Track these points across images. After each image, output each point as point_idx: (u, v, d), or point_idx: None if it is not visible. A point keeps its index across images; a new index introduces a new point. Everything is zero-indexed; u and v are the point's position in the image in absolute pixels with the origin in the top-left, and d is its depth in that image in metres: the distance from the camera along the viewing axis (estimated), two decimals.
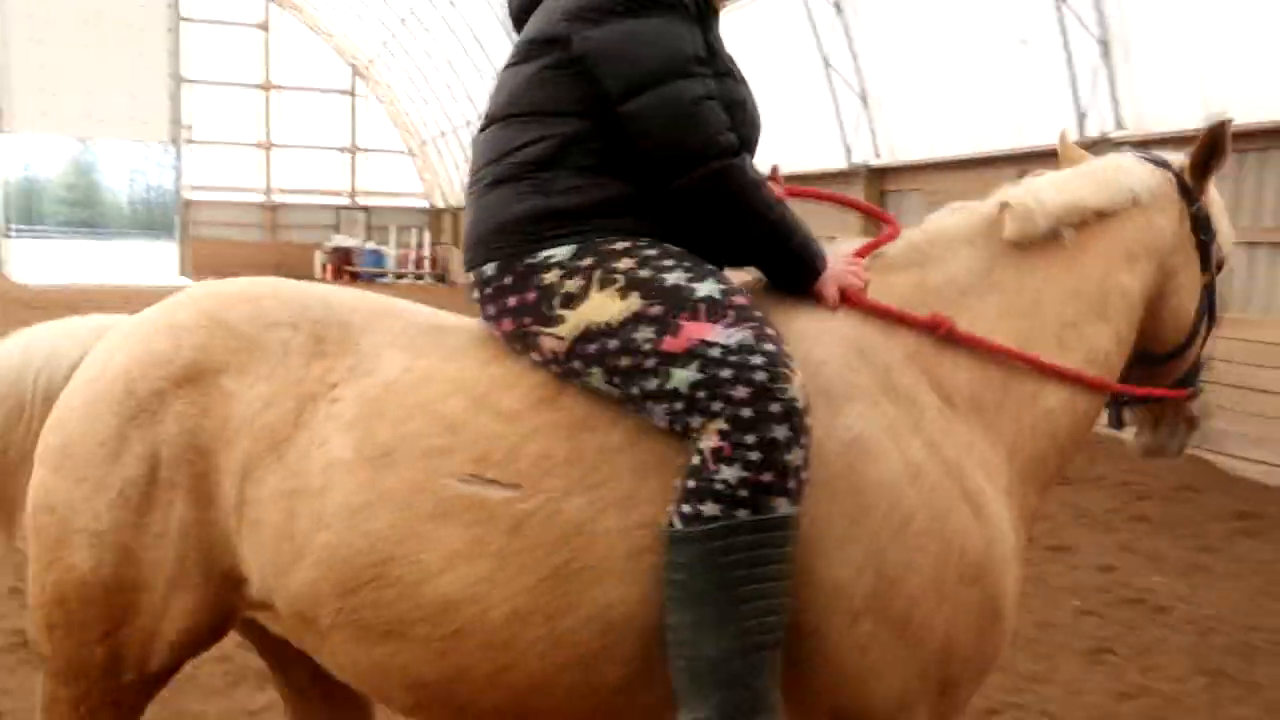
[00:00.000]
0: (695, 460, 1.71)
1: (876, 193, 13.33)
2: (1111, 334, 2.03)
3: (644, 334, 1.75)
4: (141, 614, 1.87)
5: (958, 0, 11.04)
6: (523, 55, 1.94)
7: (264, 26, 29.16)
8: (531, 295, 1.83)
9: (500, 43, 22.12)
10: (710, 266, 1.86)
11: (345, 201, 30.58)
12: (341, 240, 28.60)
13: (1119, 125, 9.34)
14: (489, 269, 1.89)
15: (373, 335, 1.90)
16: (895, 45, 12.37)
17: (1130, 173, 2.11)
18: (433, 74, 26.41)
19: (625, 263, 1.80)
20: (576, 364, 1.80)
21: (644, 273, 1.79)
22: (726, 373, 1.70)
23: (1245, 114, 8.17)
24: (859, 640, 1.74)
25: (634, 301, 1.77)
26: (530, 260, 1.85)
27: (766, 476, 1.67)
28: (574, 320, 1.79)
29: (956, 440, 1.86)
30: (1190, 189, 2.13)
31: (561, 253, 1.83)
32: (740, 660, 1.68)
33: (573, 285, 1.80)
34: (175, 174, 27.45)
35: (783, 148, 15.31)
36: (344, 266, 27.53)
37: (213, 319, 1.91)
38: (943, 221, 2.11)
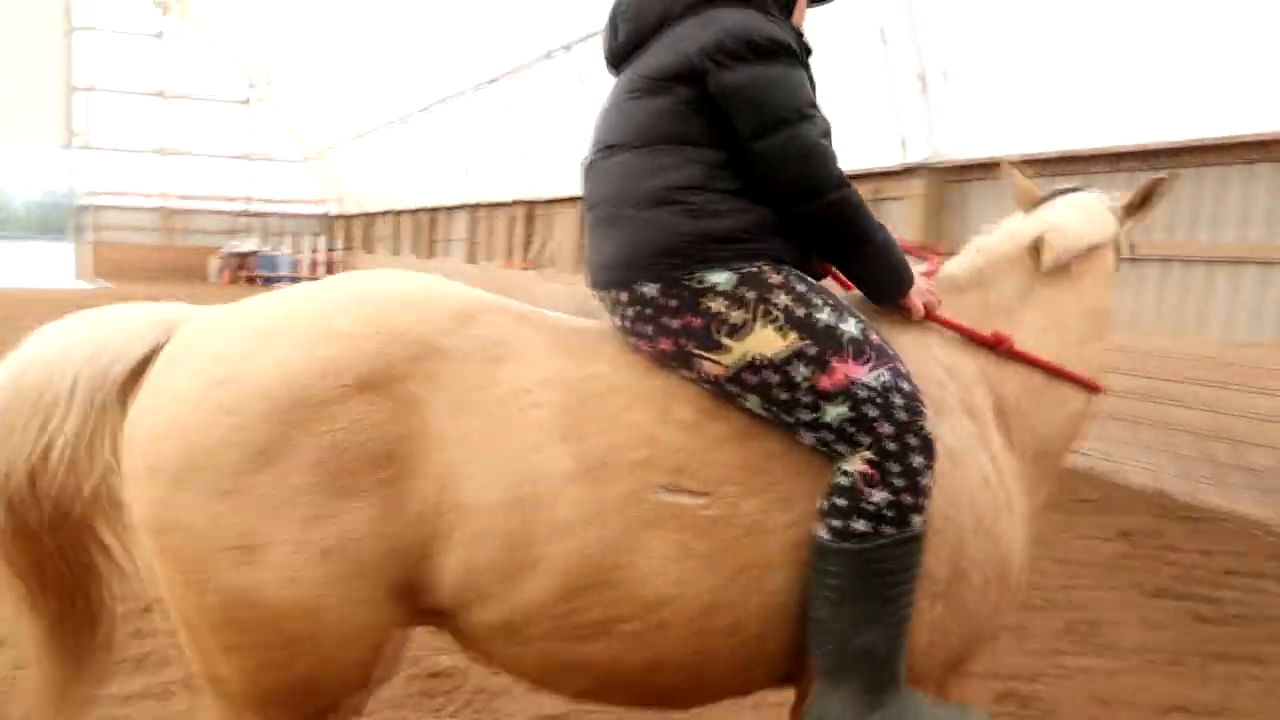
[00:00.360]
0: (844, 481, 1.85)
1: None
2: (1102, 347, 2.31)
3: (802, 371, 1.85)
4: (338, 637, 1.68)
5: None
6: (650, 89, 1.95)
7: (160, 36, 27.96)
8: (697, 321, 1.87)
9: (397, 55, 21.75)
10: (844, 300, 2.01)
11: (242, 207, 29.60)
12: (238, 245, 27.74)
13: (933, 155, 9.79)
14: (650, 289, 1.90)
15: (534, 341, 1.86)
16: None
17: (1105, 213, 2.40)
18: (330, 85, 25.77)
19: (783, 298, 1.88)
20: (734, 389, 1.88)
21: (800, 311, 1.87)
22: (874, 411, 1.84)
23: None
24: (932, 620, 1.91)
25: (794, 340, 1.86)
26: (694, 284, 1.87)
27: (908, 499, 1.84)
28: (739, 351, 1.86)
29: (999, 449, 2.07)
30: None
31: (724, 280, 1.87)
32: (884, 647, 1.84)
33: (737, 316, 1.86)
34: (71, 178, 26.26)
35: None
36: (240, 271, 26.78)
37: (381, 325, 1.75)
38: (993, 246, 2.31)
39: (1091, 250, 2.32)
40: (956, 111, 9.45)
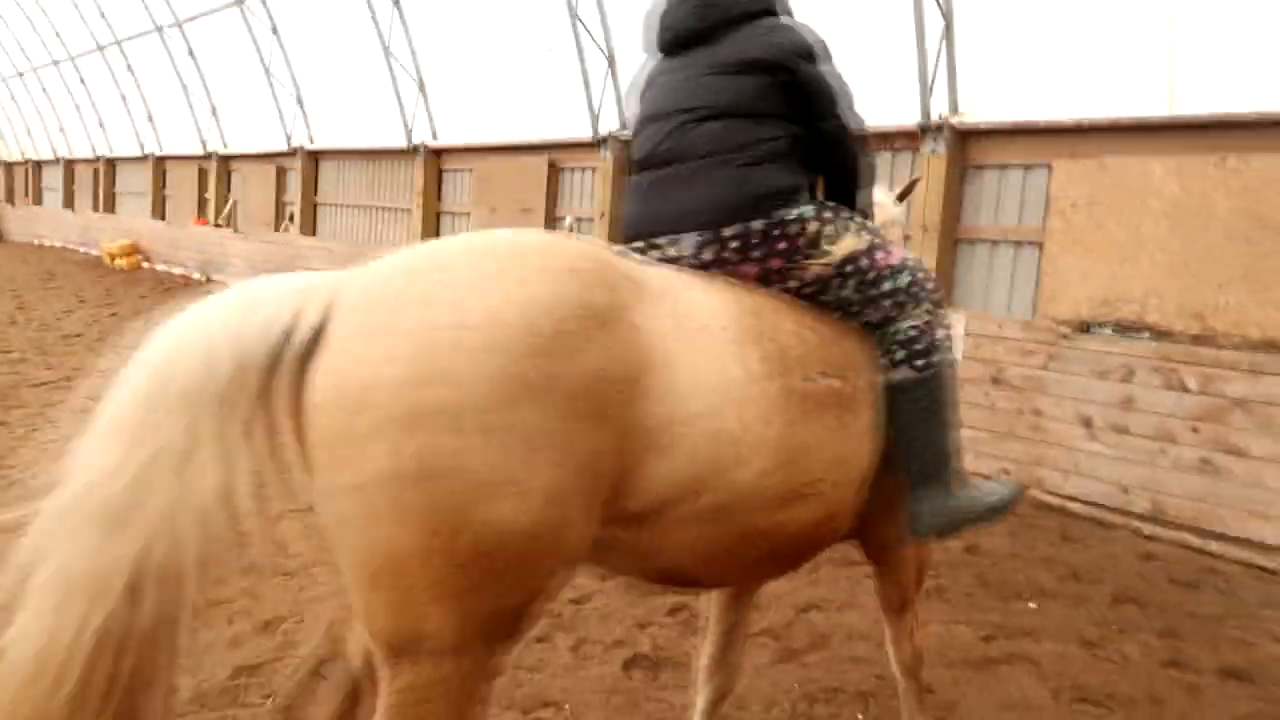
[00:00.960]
0: (911, 331, 2.38)
1: (435, 169, 13.59)
2: None
3: (877, 256, 2.40)
4: (559, 557, 1.68)
5: (500, 5, 11.50)
6: (736, 71, 2.36)
7: None
8: (801, 240, 2.32)
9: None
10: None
11: None
12: None
13: (622, 127, 10.32)
14: (757, 224, 2.30)
15: (684, 277, 2.12)
16: (448, 39, 12.62)
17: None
18: None
19: (845, 215, 2.43)
20: (837, 281, 2.37)
21: (857, 221, 2.45)
22: (920, 275, 2.44)
23: None
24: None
25: (866, 238, 2.41)
26: (789, 217, 2.31)
27: (946, 333, 2.45)
28: (839, 251, 2.36)
29: None
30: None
31: (808, 212, 2.34)
32: (955, 445, 2.40)
33: (830, 230, 2.36)
34: None
35: (351, 128, 15.03)
36: None
37: (602, 264, 1.85)
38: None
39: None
40: None
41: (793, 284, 2.35)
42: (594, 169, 10.83)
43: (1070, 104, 6.77)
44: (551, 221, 11.44)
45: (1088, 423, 5.90)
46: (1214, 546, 5.26)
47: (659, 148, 2.38)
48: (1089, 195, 6.44)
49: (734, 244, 2.30)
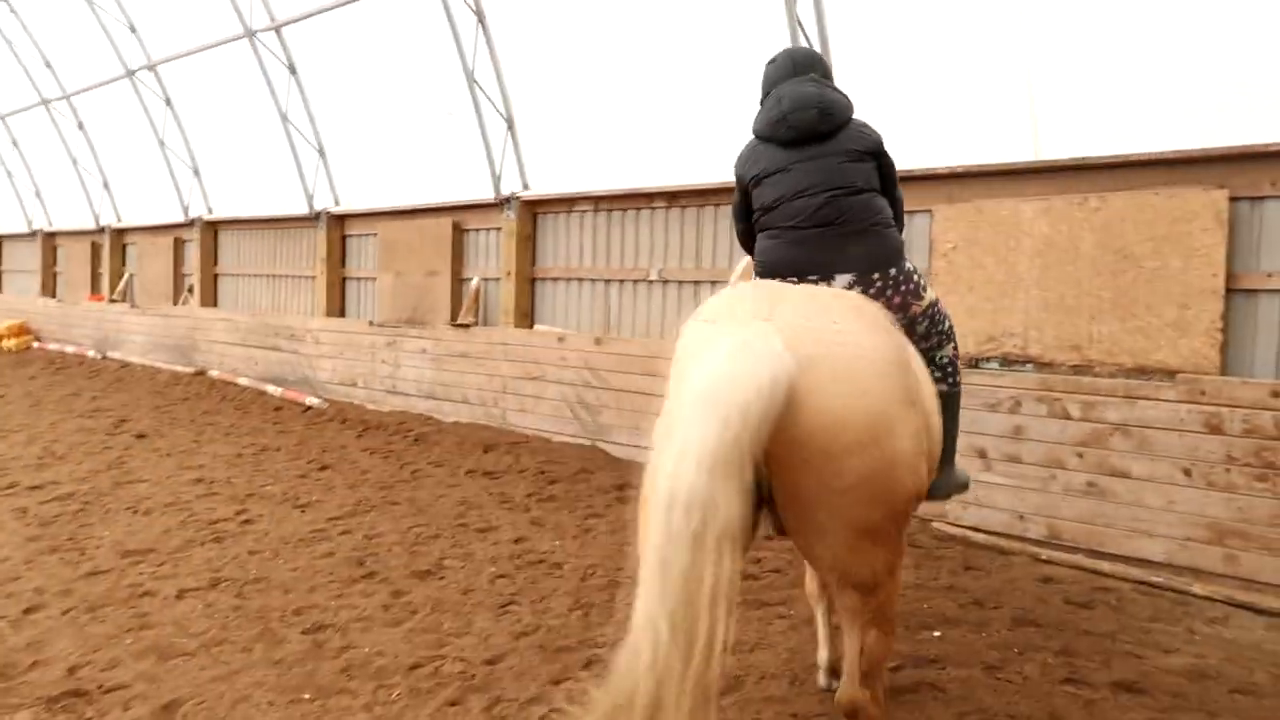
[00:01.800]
0: (945, 360, 3.62)
1: (339, 235, 13.47)
2: None
3: (940, 303, 3.58)
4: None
5: (399, 71, 11.56)
6: (859, 158, 3.43)
7: None
8: (911, 285, 3.41)
9: None
10: None
11: None
12: None
13: (525, 187, 10.43)
14: (893, 271, 3.36)
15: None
16: (347, 105, 12.61)
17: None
18: None
19: (920, 272, 3.60)
20: (924, 318, 3.50)
21: (925, 278, 3.67)
22: (950, 318, 3.64)
23: (623, 181, 9.58)
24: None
25: (933, 292, 3.54)
26: (906, 267, 3.42)
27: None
28: (928, 298, 3.49)
29: None
30: None
31: (910, 265, 3.44)
32: (956, 438, 3.75)
33: (923, 281, 3.49)
34: None
35: (250, 197, 14.83)
36: None
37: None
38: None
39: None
40: (537, 153, 10.16)
41: (900, 317, 3.32)
42: (498, 229, 10.89)
43: (946, 152, 7.11)
44: (458, 283, 11.44)
45: (983, 454, 6.13)
46: (1105, 566, 5.49)
47: (818, 212, 3.35)
48: (968, 237, 6.75)
49: (876, 285, 3.33)
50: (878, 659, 2.73)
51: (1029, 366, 6.40)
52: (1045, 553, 5.73)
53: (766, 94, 3.68)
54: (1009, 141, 6.84)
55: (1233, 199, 5.85)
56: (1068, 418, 5.82)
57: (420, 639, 4.49)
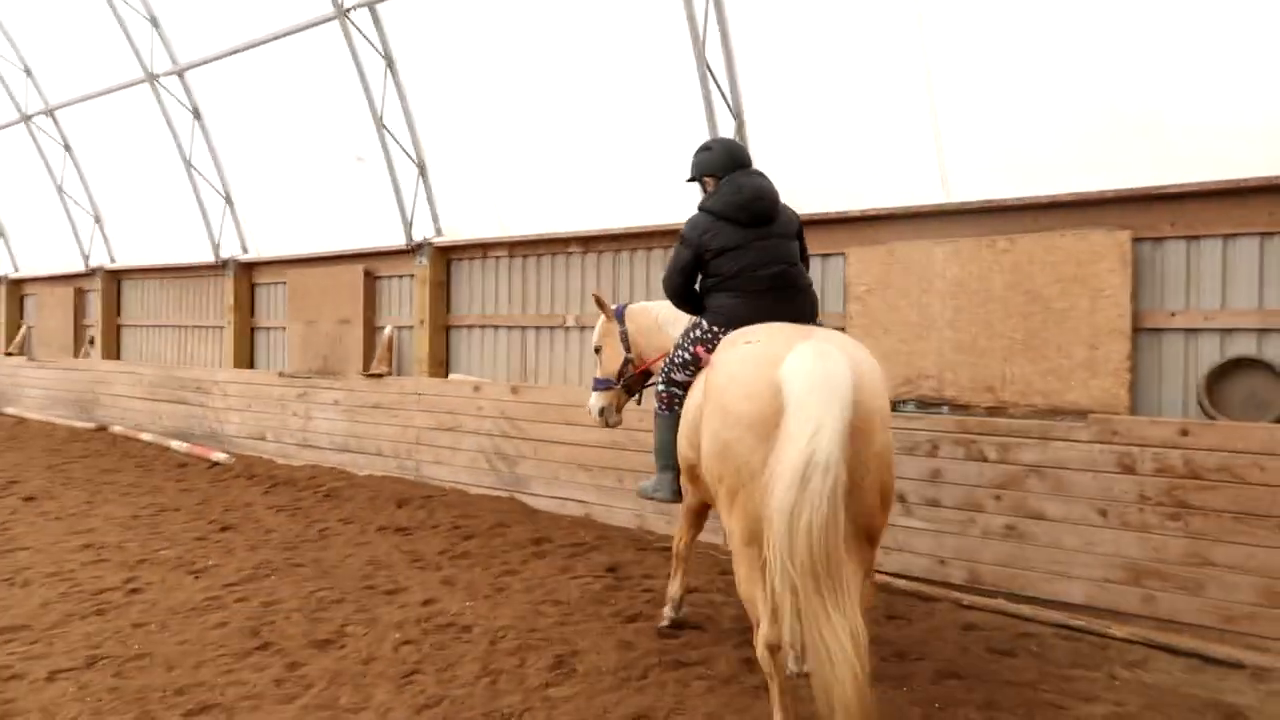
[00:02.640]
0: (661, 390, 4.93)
1: (248, 284, 13.05)
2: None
3: None
4: None
5: (307, 116, 11.30)
6: (789, 237, 4.62)
7: None
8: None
9: None
10: None
11: None
12: None
13: (437, 233, 10.22)
14: (818, 321, 4.60)
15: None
16: (254, 151, 12.27)
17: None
18: None
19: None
20: None
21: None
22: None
23: (537, 225, 9.43)
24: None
25: None
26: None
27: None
28: None
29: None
30: (616, 318, 5.65)
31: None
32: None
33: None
34: None
35: (155, 245, 14.31)
36: None
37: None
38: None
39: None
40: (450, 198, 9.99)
41: None
42: (411, 276, 10.64)
43: (858, 196, 7.12)
44: (371, 331, 11.12)
45: (903, 498, 6.05)
46: (1026, 610, 5.43)
47: (772, 279, 4.49)
48: (881, 280, 6.74)
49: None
50: (870, 599, 3.67)
51: (945, 409, 6.37)
52: (967, 598, 5.65)
53: (713, 177, 4.77)
54: (919, 184, 6.88)
55: (1136, 240, 5.93)
56: (984, 459, 5.79)
57: (314, 716, 4.18)
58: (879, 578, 6.00)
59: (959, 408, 6.32)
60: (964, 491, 5.86)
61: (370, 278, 11.11)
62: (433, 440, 9.32)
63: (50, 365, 15.39)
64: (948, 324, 6.41)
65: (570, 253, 9.23)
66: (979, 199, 6.46)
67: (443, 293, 10.31)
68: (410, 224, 10.24)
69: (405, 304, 10.87)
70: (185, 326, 14.41)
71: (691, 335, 4.69)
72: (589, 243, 8.98)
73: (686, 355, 4.71)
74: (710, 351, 4.41)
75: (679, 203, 7.55)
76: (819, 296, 7.45)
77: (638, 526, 7.59)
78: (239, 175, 12.62)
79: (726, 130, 7.73)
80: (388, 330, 10.71)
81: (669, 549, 7.03)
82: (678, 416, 4.73)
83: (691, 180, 4.92)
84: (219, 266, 13.14)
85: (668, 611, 5.31)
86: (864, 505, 3.41)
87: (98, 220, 15.19)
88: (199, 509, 8.69)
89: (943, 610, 5.55)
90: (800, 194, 7.48)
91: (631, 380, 5.61)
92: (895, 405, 6.51)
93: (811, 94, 7.45)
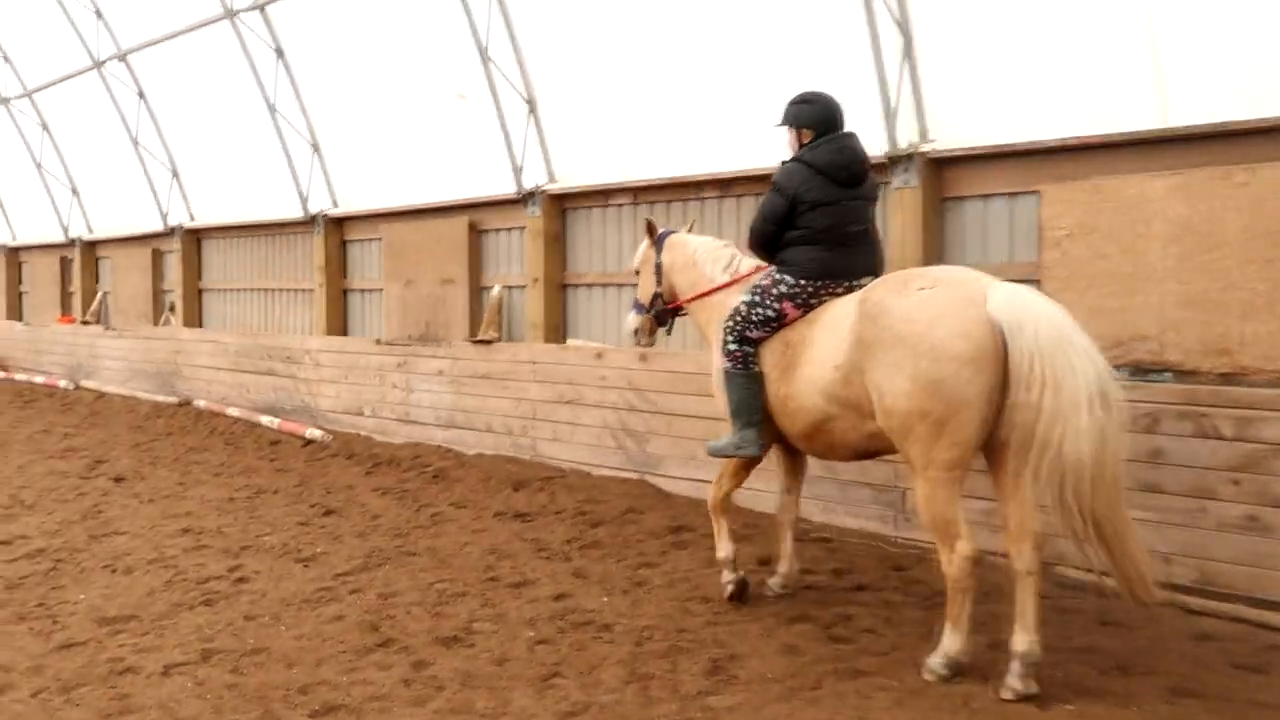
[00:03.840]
0: None
1: (338, 241, 13.45)
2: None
3: None
4: None
5: (401, 52, 11.51)
6: (870, 201, 5.45)
7: None
8: None
9: None
10: None
11: None
12: None
13: (550, 179, 10.31)
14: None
15: None
16: (344, 93, 12.58)
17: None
18: None
19: None
20: None
21: None
22: None
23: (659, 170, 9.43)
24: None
25: None
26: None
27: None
28: None
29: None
30: (655, 245, 6.31)
31: None
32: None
33: None
34: None
35: (237, 200, 14.88)
36: None
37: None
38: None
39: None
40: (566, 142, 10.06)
41: None
42: (521, 229, 10.78)
43: (1054, 123, 6.86)
44: (477, 292, 11.33)
45: None
46: (1274, 618, 5.19)
47: (860, 236, 5.34)
48: (1084, 222, 6.50)
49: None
50: None
51: (1167, 375, 6.11)
52: (1197, 602, 5.43)
53: (810, 131, 5.41)
54: (1131, 107, 6.58)
55: None
56: (1219, 437, 5.53)
57: None
58: (1080, 574, 5.85)
59: (1184, 374, 6.05)
60: (1192, 475, 5.62)
61: (475, 231, 11.31)
62: (550, 415, 9.46)
63: (128, 334, 16.22)
64: (1170, 274, 6.13)
65: (704, 197, 9.19)
66: (1209, 122, 6.15)
67: (558, 247, 10.42)
68: (520, 170, 10.36)
69: (515, 261, 11.03)
70: (271, 290, 14.98)
71: (774, 292, 5.32)
72: (726, 185, 8.92)
73: (769, 312, 5.34)
74: (801, 307, 5.25)
75: None
76: (1007, 241, 7.53)
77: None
78: (327, 120, 12.99)
79: (893, 50, 7.55)
80: (496, 290, 10.91)
81: (827, 539, 6.99)
82: (757, 374, 5.40)
83: (783, 126, 5.54)
84: (307, 222, 13.58)
85: (727, 576, 5.79)
86: None
87: (175, 174, 15.88)
88: (298, 491, 9.05)
89: (1168, 616, 5.35)
90: (981, 122, 7.26)
91: (661, 312, 6.39)
92: None
93: (996, 4, 7.19)
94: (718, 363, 5.67)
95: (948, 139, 7.61)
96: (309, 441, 11.40)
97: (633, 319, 6.53)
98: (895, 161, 7.68)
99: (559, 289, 10.48)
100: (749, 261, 5.94)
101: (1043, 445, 4.17)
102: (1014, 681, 4.33)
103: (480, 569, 6.54)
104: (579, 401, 9.18)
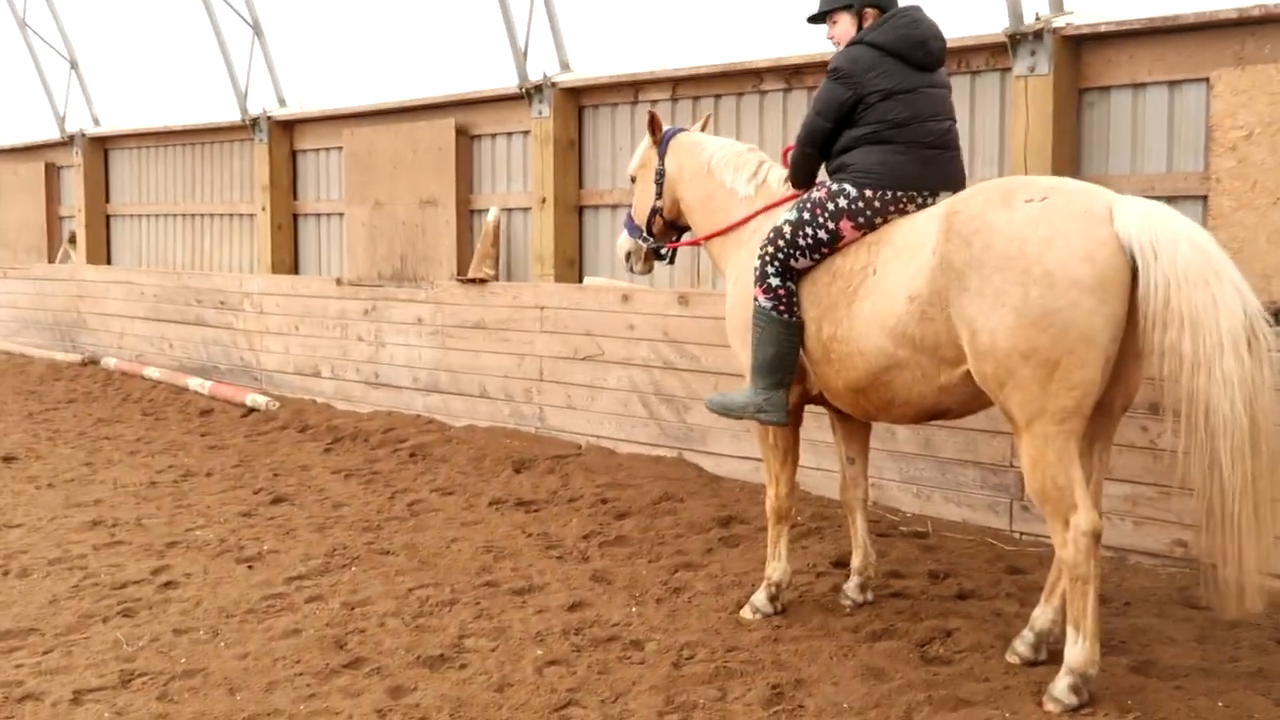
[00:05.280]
0: None
1: (287, 151, 13.53)
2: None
3: None
4: None
5: None
6: (949, 91, 5.65)
7: None
8: None
9: None
10: None
11: None
12: None
13: (564, 67, 10.31)
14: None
15: None
16: None
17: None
18: None
19: None
20: None
21: None
22: None
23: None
24: None
25: None
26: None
27: None
28: None
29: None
30: (658, 145, 6.46)
31: None
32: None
33: None
34: None
35: (154, 99, 14.97)
36: None
37: None
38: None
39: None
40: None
41: None
42: (525, 133, 10.82)
43: None
44: (468, 216, 11.40)
45: None
46: None
47: (943, 136, 5.47)
48: (1270, 118, 6.48)
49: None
50: None
51: None
52: None
53: (875, 8, 5.55)
54: None
55: None
56: None
57: None
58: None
59: None
60: None
61: (465, 137, 11.35)
62: (563, 375, 9.54)
63: (15, 274, 16.42)
64: None
65: (764, 90, 9.19)
66: None
67: (574, 157, 10.45)
68: (524, 55, 10.38)
69: (517, 175, 11.08)
70: (201, 215, 15.10)
71: (830, 207, 5.40)
72: (793, 74, 8.91)
73: (822, 233, 5.41)
74: (862, 228, 5.36)
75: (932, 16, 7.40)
76: (1164, 145, 7.47)
77: (873, 502, 7.62)
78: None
79: None
80: (493, 214, 10.96)
81: (922, 534, 7.06)
82: (797, 321, 5.49)
83: (836, 10, 5.68)
84: (246, 127, 13.67)
85: (762, 601, 5.89)
86: None
87: (74, 66, 15.99)
88: (238, 474, 9.21)
89: None
90: None
91: (661, 235, 6.56)
92: None
93: None
94: (735, 300, 5.87)
95: (1089, 9, 7.55)
96: (251, 410, 11.56)
97: (624, 241, 6.70)
98: (1018, 41, 7.62)
99: (574, 212, 10.53)
100: (779, 172, 6.04)
101: (1189, 399, 4.27)
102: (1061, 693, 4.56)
103: (473, 571, 6.65)
104: (600, 358, 9.26)
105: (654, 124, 6.48)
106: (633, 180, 6.68)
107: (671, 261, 6.87)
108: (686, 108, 9.71)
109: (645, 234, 6.55)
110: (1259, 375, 4.23)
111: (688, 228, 6.49)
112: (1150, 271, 4.30)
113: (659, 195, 6.41)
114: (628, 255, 6.69)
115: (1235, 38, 6.81)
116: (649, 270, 6.77)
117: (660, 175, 6.38)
